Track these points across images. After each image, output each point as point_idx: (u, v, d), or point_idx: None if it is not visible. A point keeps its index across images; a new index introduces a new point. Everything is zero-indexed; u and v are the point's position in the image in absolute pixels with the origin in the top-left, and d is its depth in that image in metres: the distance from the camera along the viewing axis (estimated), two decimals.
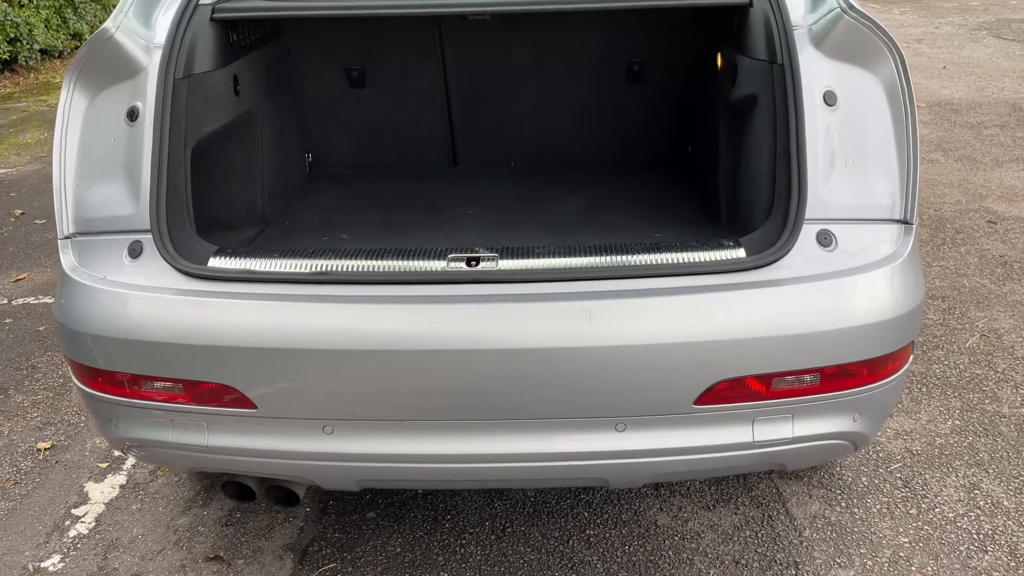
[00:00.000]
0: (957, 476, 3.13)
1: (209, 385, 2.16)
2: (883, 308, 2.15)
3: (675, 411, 2.16)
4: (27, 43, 10.56)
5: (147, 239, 2.23)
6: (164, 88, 2.30)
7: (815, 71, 2.31)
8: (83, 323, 2.19)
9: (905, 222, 2.23)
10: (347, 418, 2.18)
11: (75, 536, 3.02)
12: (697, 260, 2.19)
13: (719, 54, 2.84)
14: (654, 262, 2.18)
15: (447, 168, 3.65)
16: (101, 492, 3.23)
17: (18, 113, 9.21)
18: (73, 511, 3.14)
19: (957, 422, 3.42)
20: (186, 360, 2.15)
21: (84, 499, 3.19)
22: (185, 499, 3.17)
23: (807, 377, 2.16)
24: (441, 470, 2.27)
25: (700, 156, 3.28)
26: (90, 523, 3.08)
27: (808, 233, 2.20)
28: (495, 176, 3.51)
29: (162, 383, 2.20)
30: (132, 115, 2.32)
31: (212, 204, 2.67)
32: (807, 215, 2.20)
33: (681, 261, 2.19)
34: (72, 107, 2.33)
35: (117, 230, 2.28)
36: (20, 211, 6.21)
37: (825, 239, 2.21)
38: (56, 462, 3.42)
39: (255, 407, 2.17)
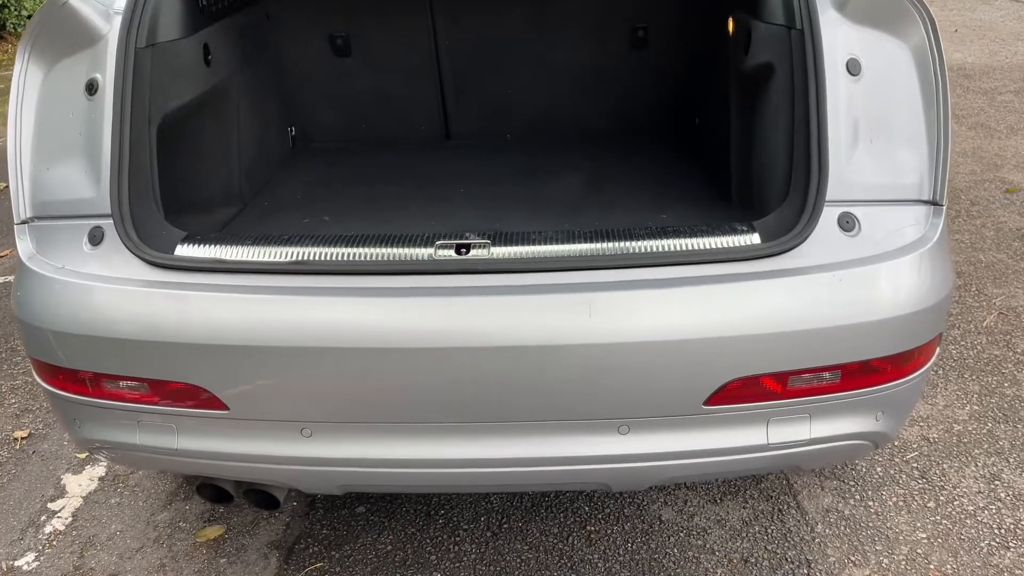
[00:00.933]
0: (976, 466, 2.98)
1: (176, 385, 2.00)
2: (910, 299, 1.97)
3: (683, 412, 1.99)
4: (15, 9, 10.27)
5: (108, 224, 2.05)
6: (125, 58, 2.10)
7: (837, 37, 2.11)
8: (40, 317, 2.02)
9: (934, 203, 2.04)
10: (327, 420, 2.02)
11: (51, 532, 2.87)
12: (708, 247, 2.01)
13: (730, 19, 2.63)
14: (661, 249, 2.00)
15: (439, 142, 3.46)
16: (79, 485, 3.09)
17: (5, 82, 8.95)
18: (49, 505, 2.99)
19: (975, 407, 3.26)
20: (151, 358, 1.98)
21: (61, 492, 3.05)
22: (166, 492, 3.02)
23: (826, 375, 1.99)
24: (430, 475, 2.11)
25: (708, 129, 3.08)
26: (67, 518, 2.93)
27: (829, 217, 2.02)
28: (490, 150, 3.32)
29: (126, 382, 2.03)
30: (91, 88, 2.12)
31: (182, 184, 2.48)
32: (828, 196, 2.01)
33: (690, 248, 2.01)
34: (27, 80, 2.14)
35: (77, 215, 2.10)
36: (4, 184, 6.02)
37: (847, 223, 2.02)
38: (33, 452, 3.27)
39: (227, 408, 2.00)
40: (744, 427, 2.02)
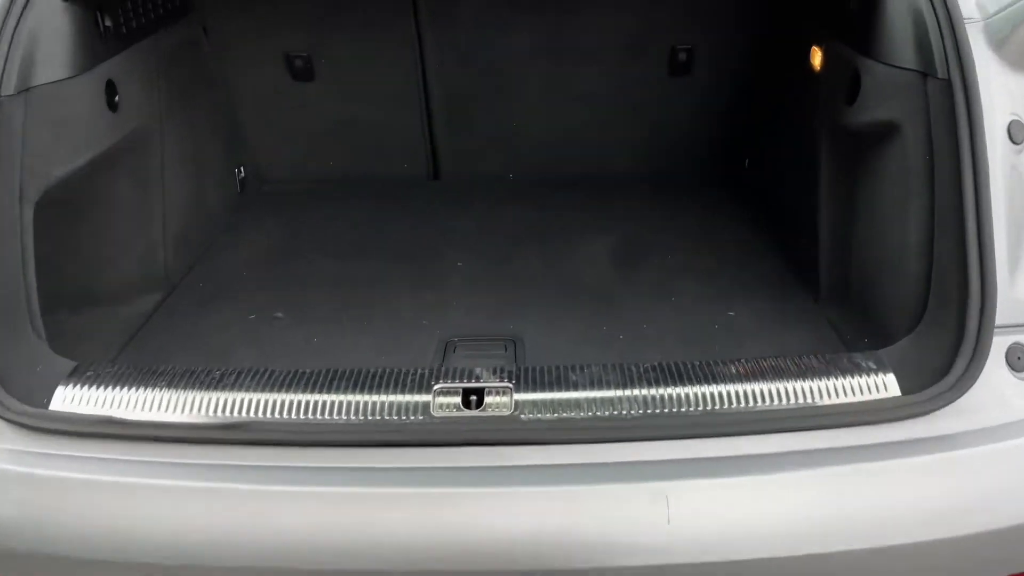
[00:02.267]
0: None
1: None
2: None
3: None
4: None
5: None
6: None
7: (995, 91, 1.54)
8: None
9: None
10: None
11: None
12: (829, 399, 1.41)
13: (818, 48, 2.00)
14: (764, 404, 1.39)
15: (426, 183, 2.79)
16: None
17: None
18: None
19: None
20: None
21: None
22: None
23: None
24: None
25: (768, 179, 2.46)
26: None
27: (997, 351, 1.42)
28: (490, 196, 2.67)
29: None
30: None
31: (81, 271, 1.85)
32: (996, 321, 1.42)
33: (805, 402, 1.40)
34: None
35: None
36: None
37: (1019, 360, 1.43)
38: None
39: None
40: None
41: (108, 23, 1.84)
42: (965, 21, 1.54)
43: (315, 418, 1.38)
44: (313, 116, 2.66)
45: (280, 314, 1.96)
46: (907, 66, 1.61)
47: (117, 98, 1.86)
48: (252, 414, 1.38)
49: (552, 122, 2.68)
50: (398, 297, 2.05)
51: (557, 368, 1.48)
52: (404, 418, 1.38)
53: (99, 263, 1.93)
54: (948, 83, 1.50)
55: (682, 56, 2.51)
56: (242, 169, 2.65)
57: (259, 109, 2.62)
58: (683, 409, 1.38)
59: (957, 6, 1.54)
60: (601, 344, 1.82)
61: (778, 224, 2.30)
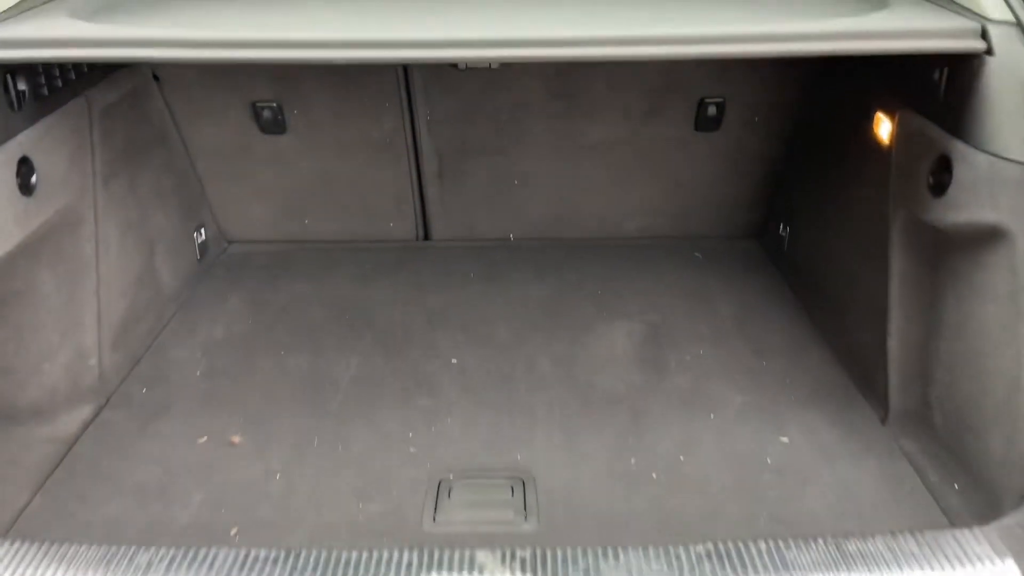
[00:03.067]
0: None
1: None
2: None
3: None
4: None
5: None
6: None
7: None
8: None
9: None
10: None
11: None
12: None
13: (885, 115, 1.66)
14: None
15: (415, 246, 2.45)
16: None
17: None
18: None
19: None
20: None
21: None
22: None
23: None
24: None
25: (808, 253, 2.13)
26: None
27: None
28: (488, 265, 2.33)
29: None
30: None
31: None
32: None
33: None
34: None
35: None
36: None
37: None
38: None
39: None
40: None
41: (22, 87, 1.49)
42: None
43: None
44: (285, 171, 2.31)
45: (237, 438, 1.62)
46: (1015, 158, 1.29)
47: (34, 178, 1.51)
48: None
49: (559, 177, 2.33)
50: (382, 406, 1.71)
51: (584, 554, 1.15)
52: None
53: (17, 373, 1.59)
54: None
55: (711, 110, 2.16)
56: (202, 231, 2.30)
57: (222, 163, 2.27)
58: None
59: None
60: (630, 485, 1.49)
61: (825, 311, 1.97)
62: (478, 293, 2.18)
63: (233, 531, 1.39)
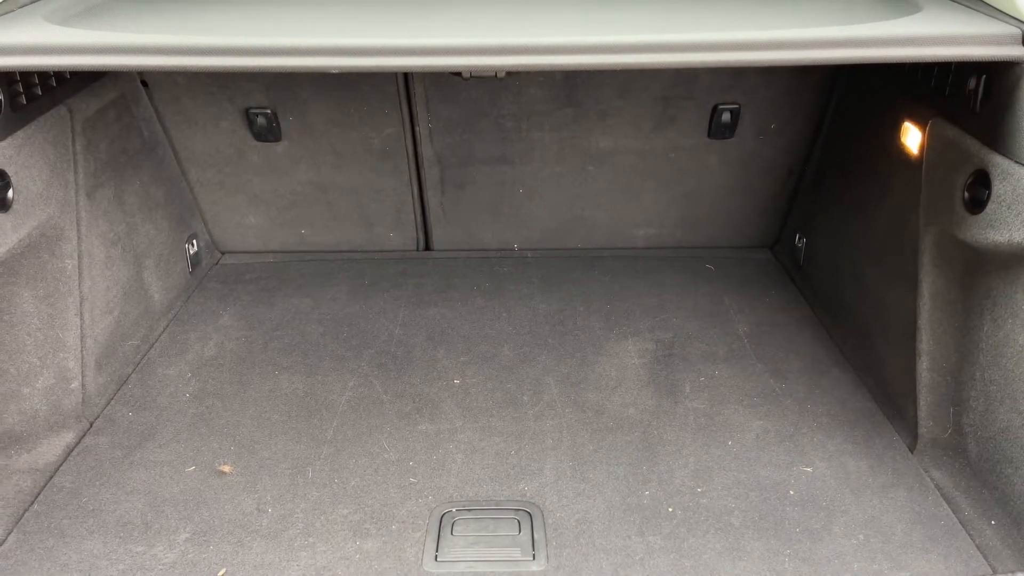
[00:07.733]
0: None
1: None
2: None
3: None
4: None
5: None
6: None
7: None
8: None
9: None
10: None
11: None
12: None
13: (914, 125, 1.57)
14: None
15: (416, 257, 2.36)
16: None
17: None
18: None
19: None
20: None
21: None
22: None
23: None
24: None
25: (828, 266, 2.03)
26: None
27: None
28: (491, 276, 2.24)
29: None
30: None
31: None
32: None
33: None
34: None
35: None
36: None
37: None
38: None
39: None
40: None
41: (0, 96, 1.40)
42: None
43: None
44: (280, 179, 2.23)
45: (227, 467, 1.53)
46: None
47: (11, 193, 1.42)
48: None
49: (566, 186, 2.25)
50: (380, 433, 1.62)
51: None
52: None
53: None
54: None
55: (725, 116, 2.07)
56: (194, 242, 2.21)
57: (214, 172, 2.19)
58: None
59: None
60: (645, 519, 1.39)
61: (847, 329, 1.88)
62: (481, 308, 2.09)
63: (221, 572, 1.30)
